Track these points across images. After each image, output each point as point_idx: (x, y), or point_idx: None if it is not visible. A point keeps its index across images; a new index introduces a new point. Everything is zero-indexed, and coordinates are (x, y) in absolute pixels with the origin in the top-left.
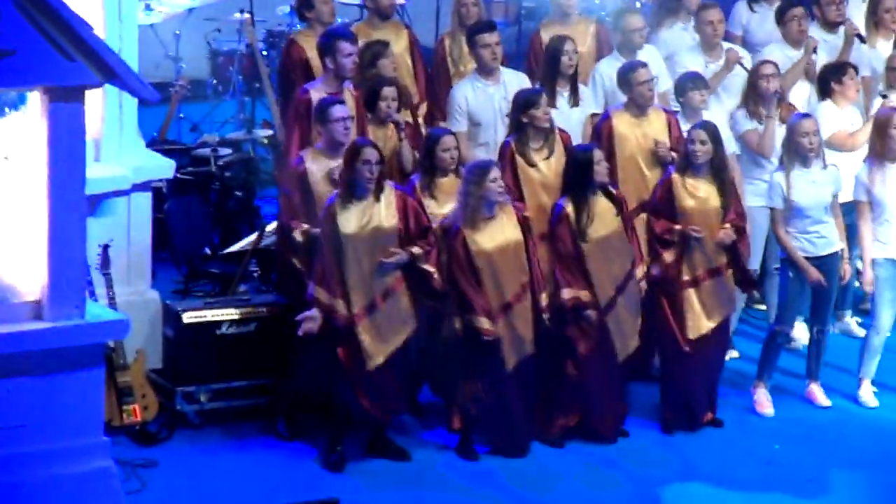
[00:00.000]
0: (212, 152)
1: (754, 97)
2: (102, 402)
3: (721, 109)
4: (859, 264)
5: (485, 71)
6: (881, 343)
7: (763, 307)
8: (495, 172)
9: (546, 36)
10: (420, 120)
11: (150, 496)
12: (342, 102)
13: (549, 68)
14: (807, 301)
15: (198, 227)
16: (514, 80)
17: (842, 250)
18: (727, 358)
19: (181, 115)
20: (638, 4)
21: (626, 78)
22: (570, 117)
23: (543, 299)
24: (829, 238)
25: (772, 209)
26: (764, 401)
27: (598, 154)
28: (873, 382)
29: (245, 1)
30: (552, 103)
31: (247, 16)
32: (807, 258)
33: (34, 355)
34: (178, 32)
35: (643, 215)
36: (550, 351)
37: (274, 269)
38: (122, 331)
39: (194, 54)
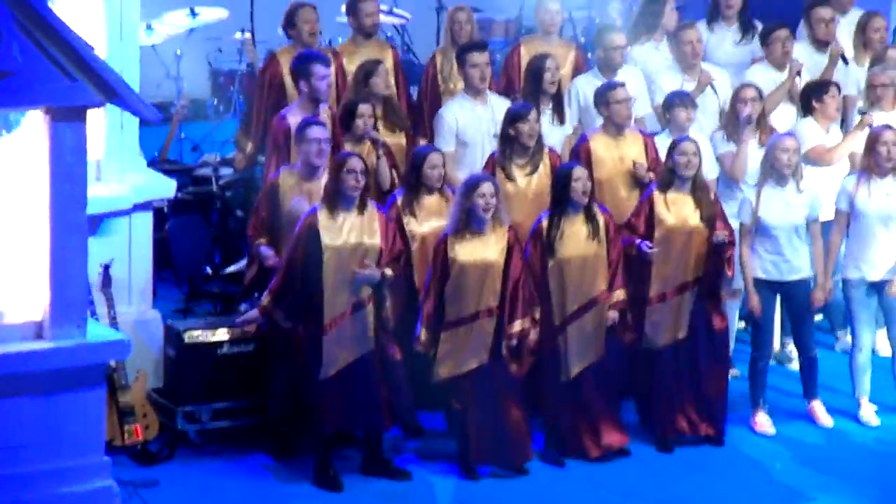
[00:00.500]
0: (213, 172)
1: (732, 120)
2: (104, 421)
3: (697, 130)
4: None
5: (472, 90)
6: (867, 360)
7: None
8: (486, 188)
9: (526, 51)
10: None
11: None
12: (321, 124)
13: (532, 86)
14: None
15: (199, 246)
16: (501, 104)
17: (813, 277)
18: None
19: (182, 134)
20: (619, 22)
21: (603, 97)
22: (552, 135)
23: (516, 326)
24: (795, 264)
25: (740, 224)
26: (763, 422)
27: (577, 171)
28: (875, 401)
29: (246, 21)
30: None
31: (247, 35)
32: (770, 281)
33: (35, 375)
34: (179, 52)
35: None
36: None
37: None
38: (124, 351)
39: (195, 74)
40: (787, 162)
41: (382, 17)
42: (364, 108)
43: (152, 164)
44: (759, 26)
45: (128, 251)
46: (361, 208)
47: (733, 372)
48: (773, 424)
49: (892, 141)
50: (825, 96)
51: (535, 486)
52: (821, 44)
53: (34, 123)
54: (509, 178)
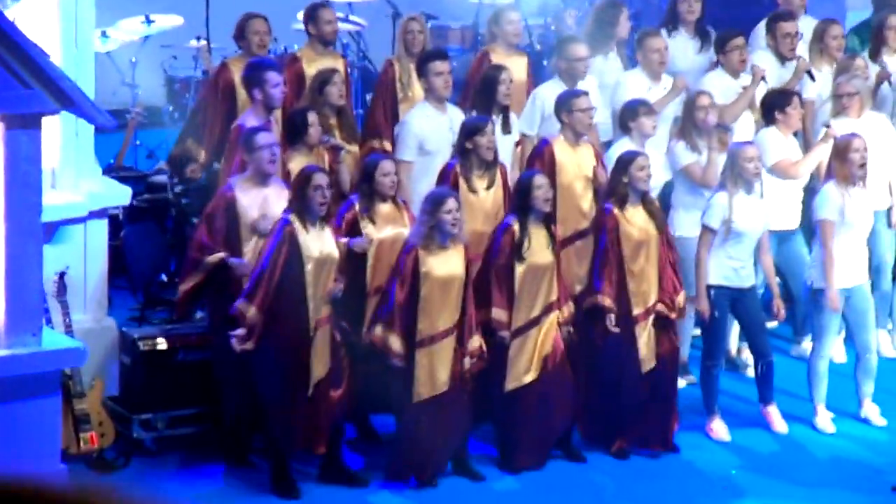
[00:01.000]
0: (168, 179)
1: (691, 129)
2: (59, 429)
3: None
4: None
5: (436, 98)
6: (826, 368)
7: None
8: (451, 204)
9: (495, 59)
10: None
11: None
12: (269, 130)
13: (486, 96)
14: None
15: (154, 254)
16: (457, 113)
17: (769, 286)
18: (684, 383)
19: (138, 141)
20: (574, 30)
21: (566, 104)
22: (501, 144)
23: (474, 342)
24: (751, 271)
25: (705, 228)
26: (719, 429)
27: (538, 179)
28: (831, 409)
29: (201, 28)
30: None
31: (203, 43)
32: (730, 287)
33: None
34: (134, 60)
35: (579, 244)
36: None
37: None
38: (79, 358)
39: (151, 81)
40: (753, 170)
41: (338, 24)
42: (313, 117)
43: (108, 171)
44: (713, 34)
45: (83, 259)
46: (324, 222)
47: (689, 378)
48: (728, 431)
49: (862, 147)
50: (788, 108)
51: (491, 493)
52: (783, 57)
53: None
54: (472, 190)
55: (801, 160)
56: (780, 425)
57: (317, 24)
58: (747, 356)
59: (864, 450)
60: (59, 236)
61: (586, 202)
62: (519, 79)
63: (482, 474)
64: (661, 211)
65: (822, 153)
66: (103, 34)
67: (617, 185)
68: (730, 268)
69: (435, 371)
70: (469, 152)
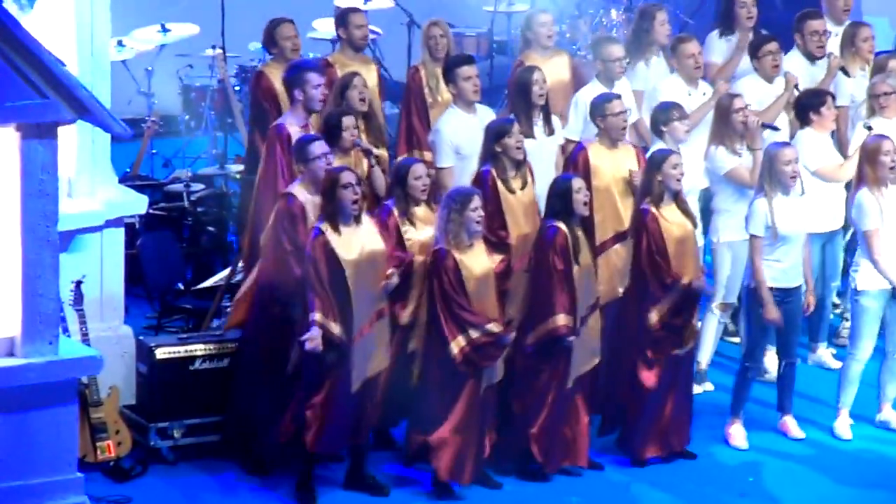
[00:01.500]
0: (184, 188)
1: (729, 133)
2: (76, 438)
3: (696, 141)
4: (835, 297)
5: (465, 103)
6: (859, 373)
7: (737, 340)
8: (477, 202)
9: (532, 63)
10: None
11: None
12: (320, 138)
13: (521, 99)
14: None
15: (171, 262)
16: (486, 113)
17: (804, 282)
18: (701, 390)
19: (154, 150)
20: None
21: (600, 108)
22: (544, 146)
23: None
24: (799, 270)
25: (753, 236)
26: (738, 435)
27: (577, 182)
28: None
29: (217, 37)
30: (529, 133)
31: (219, 51)
32: (779, 289)
33: (7, 392)
34: (150, 68)
35: (618, 247)
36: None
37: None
38: (96, 367)
39: (166, 90)
40: (791, 173)
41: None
42: (348, 121)
43: (124, 179)
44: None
45: (99, 267)
46: (359, 219)
47: (707, 386)
48: (746, 438)
49: (892, 149)
50: (822, 108)
51: (511, 499)
52: (813, 56)
53: (5, 140)
54: (511, 191)
55: (845, 163)
56: (796, 433)
57: (347, 28)
58: (769, 362)
59: (883, 456)
60: (75, 245)
61: (625, 205)
62: (559, 79)
63: (500, 482)
64: (690, 210)
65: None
66: (119, 43)
67: (651, 184)
68: (778, 269)
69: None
70: (499, 155)
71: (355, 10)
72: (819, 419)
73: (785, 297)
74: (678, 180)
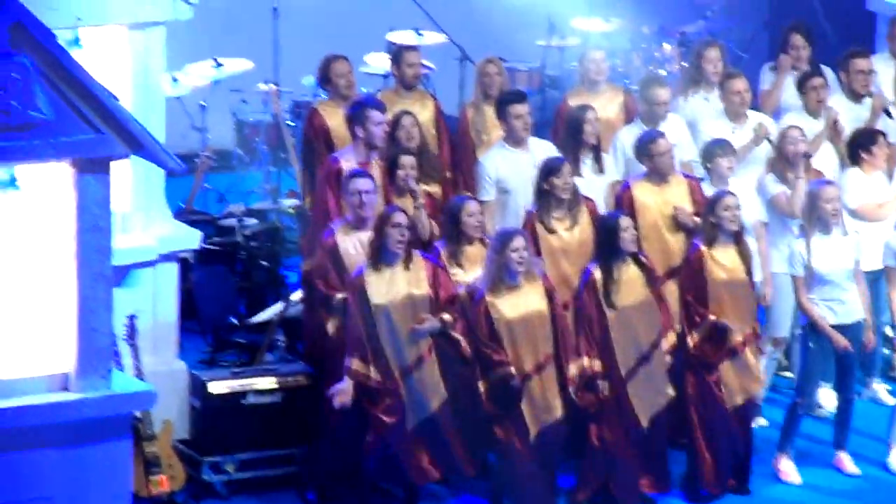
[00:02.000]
0: (238, 222)
1: (782, 162)
2: (130, 472)
3: (746, 177)
4: (888, 331)
5: (514, 140)
6: None
7: (790, 374)
8: (518, 242)
9: (574, 105)
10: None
11: None
12: (366, 175)
13: (572, 137)
14: (831, 368)
15: (224, 297)
16: (542, 148)
17: (864, 319)
18: (755, 426)
19: (207, 185)
20: (663, 73)
21: (645, 148)
22: (593, 185)
23: (571, 370)
24: (850, 306)
25: (793, 277)
26: (788, 470)
27: (624, 221)
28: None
29: (270, 72)
30: (576, 171)
31: (272, 87)
32: (834, 326)
33: (62, 426)
34: (203, 103)
35: (670, 283)
36: (577, 421)
37: (300, 338)
38: (149, 401)
39: (220, 125)
40: (831, 211)
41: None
42: (406, 160)
43: (178, 214)
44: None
45: (153, 302)
46: (408, 262)
47: (760, 421)
48: (798, 472)
49: None
50: (874, 147)
51: None
52: (857, 95)
53: (60, 175)
54: (550, 231)
55: (886, 202)
56: (851, 469)
57: (400, 66)
58: (823, 397)
59: None
60: (129, 280)
61: (675, 240)
62: (606, 116)
63: None
64: (750, 255)
65: None
66: (174, 79)
67: (705, 224)
68: (825, 307)
69: (538, 404)
70: (546, 193)
71: (410, 48)
72: (873, 455)
73: (841, 333)
74: (733, 221)
